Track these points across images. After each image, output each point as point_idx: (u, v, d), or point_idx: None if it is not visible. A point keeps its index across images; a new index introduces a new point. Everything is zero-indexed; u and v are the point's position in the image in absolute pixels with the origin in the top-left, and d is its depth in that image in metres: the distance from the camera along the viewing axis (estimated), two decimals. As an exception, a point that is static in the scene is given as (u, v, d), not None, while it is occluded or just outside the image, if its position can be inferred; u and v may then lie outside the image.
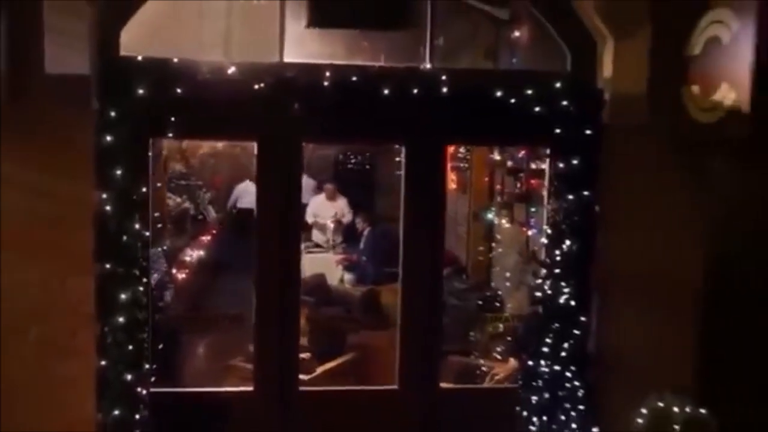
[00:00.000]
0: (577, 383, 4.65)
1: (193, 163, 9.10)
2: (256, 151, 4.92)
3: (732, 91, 3.94)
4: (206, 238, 8.89)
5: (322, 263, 8.54)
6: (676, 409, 4.18)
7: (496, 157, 7.63)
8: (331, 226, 9.17)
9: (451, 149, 8.65)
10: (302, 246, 6.70)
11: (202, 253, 8.10)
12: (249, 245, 8.35)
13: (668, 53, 4.45)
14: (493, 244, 7.55)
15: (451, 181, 9.31)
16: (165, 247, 7.10)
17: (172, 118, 4.56)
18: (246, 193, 11.46)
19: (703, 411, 4.22)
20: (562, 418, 4.61)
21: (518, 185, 7.24)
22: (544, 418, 4.64)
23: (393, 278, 7.03)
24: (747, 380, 5.15)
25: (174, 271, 7.14)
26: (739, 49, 3.88)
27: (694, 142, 4.47)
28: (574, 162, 4.69)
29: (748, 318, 5.13)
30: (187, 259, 7.77)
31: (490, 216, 7.62)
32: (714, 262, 4.82)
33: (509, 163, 7.41)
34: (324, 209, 9.54)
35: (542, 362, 4.68)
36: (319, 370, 5.70)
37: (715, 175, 4.78)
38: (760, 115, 3.87)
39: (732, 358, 4.99)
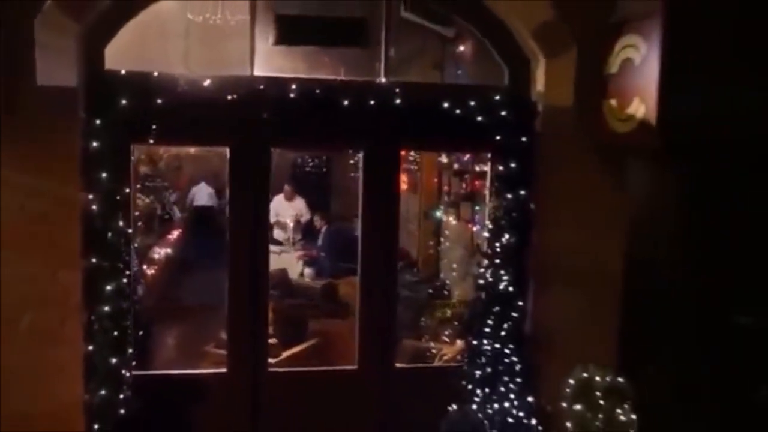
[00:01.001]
0: (515, 359, 4.94)
1: (159, 166, 9.35)
2: (228, 157, 5.10)
3: (642, 104, 4.44)
4: (172, 236, 9.18)
5: (283, 259, 8.88)
6: (598, 379, 4.65)
7: (444, 160, 7.94)
8: (291, 224, 9.51)
9: (403, 153, 9.14)
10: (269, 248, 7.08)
11: (169, 249, 8.40)
12: (207, 240, 8.65)
13: (591, 71, 4.94)
14: (442, 240, 7.91)
15: (403, 182, 9.66)
16: (136, 245, 7.37)
17: (153, 126, 4.76)
18: (201, 193, 11.84)
19: (620, 380, 4.73)
20: (502, 389, 4.91)
21: (464, 186, 7.56)
22: (487, 390, 4.93)
23: (348, 272, 7.38)
24: (658, 354, 5.73)
25: (144, 266, 7.41)
26: (647, 69, 4.38)
27: (613, 148, 4.98)
28: (512, 165, 5.00)
29: (659, 301, 5.70)
30: (156, 256, 8.05)
31: (438, 214, 7.95)
32: (632, 252, 5.37)
33: (455, 166, 7.73)
34: (283, 209, 9.84)
35: (485, 341, 4.97)
36: (285, 354, 5.98)
37: (632, 177, 5.35)
38: (665, 125, 4.41)
39: (646, 335, 5.55)
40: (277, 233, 9.56)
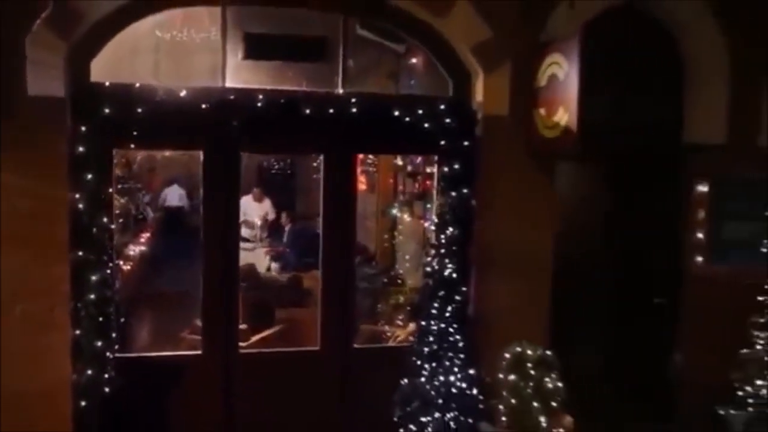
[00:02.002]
0: (458, 337, 5.32)
1: (133, 168, 9.58)
2: (201, 160, 5.46)
3: (566, 114, 4.91)
4: (146, 234, 9.45)
5: (251, 255, 9.20)
6: (529, 352, 5.07)
7: (399, 162, 8.33)
8: (259, 223, 9.85)
9: (360, 156, 9.52)
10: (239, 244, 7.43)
11: (143, 247, 8.68)
12: (178, 238, 8.93)
13: (523, 84, 5.42)
14: (396, 235, 8.31)
15: (361, 183, 10.06)
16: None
17: (134, 133, 5.08)
18: (172, 194, 12.11)
19: (549, 353, 5.18)
20: (447, 364, 5.27)
21: (416, 186, 7.96)
22: (434, 365, 5.29)
23: (311, 266, 7.74)
24: (585, 331, 6.25)
25: (120, 262, 7.67)
26: (569, 83, 4.85)
27: (542, 151, 5.48)
28: (456, 167, 5.42)
29: (585, 285, 6.22)
30: (131, 252, 8.32)
31: (394, 212, 8.30)
32: (559, 243, 5.86)
33: (409, 168, 8.11)
34: (252, 209, 10.17)
35: (432, 322, 5.35)
36: (254, 338, 6.34)
37: (560, 177, 5.85)
38: (584, 132, 4.90)
39: (573, 315, 6.06)
40: (246, 231, 9.88)
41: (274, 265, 9.23)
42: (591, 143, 5.20)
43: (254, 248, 9.57)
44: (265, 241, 9.93)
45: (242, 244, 9.49)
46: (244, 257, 8.84)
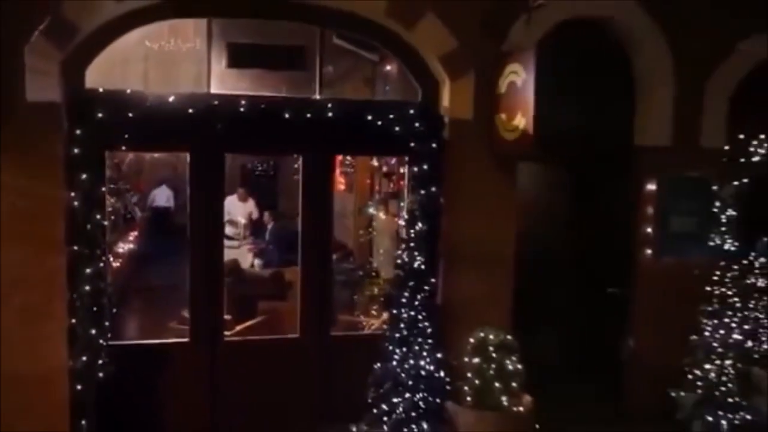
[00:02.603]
0: (427, 324, 5.57)
1: (123, 170, 9.82)
2: (188, 161, 5.76)
3: (523, 118, 5.26)
4: (134, 233, 9.69)
5: (235, 252, 9.47)
6: (492, 337, 5.42)
7: (375, 163, 8.61)
8: (243, 221, 10.12)
9: (340, 158, 9.79)
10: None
11: (133, 244, 8.94)
12: (165, 236, 9.18)
13: (486, 91, 5.75)
14: (371, 231, 8.60)
15: (341, 183, 10.38)
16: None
17: (125, 135, 5.33)
18: (160, 195, 12.36)
19: (509, 337, 5.51)
20: (416, 348, 5.51)
21: (391, 185, 8.24)
22: (404, 349, 5.53)
23: (292, 262, 8.01)
24: (541, 318, 6.61)
25: (112, 259, 7.92)
26: (526, 90, 5.20)
27: (504, 153, 5.81)
28: (425, 167, 5.73)
29: (544, 277, 6.59)
30: (120, 250, 8.56)
31: (370, 210, 8.58)
32: (520, 237, 6.22)
33: (384, 168, 8.39)
34: (236, 208, 10.45)
35: (402, 310, 5.59)
36: (238, 327, 6.59)
37: (521, 176, 6.21)
38: (539, 135, 5.25)
39: (533, 304, 6.42)
40: (230, 229, 10.14)
41: (257, 262, 9.51)
42: (546, 145, 5.60)
43: (239, 246, 9.84)
44: (249, 238, 10.20)
45: (227, 242, 9.78)
46: (229, 254, 9.17)
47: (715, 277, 6.33)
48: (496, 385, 5.33)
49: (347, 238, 9.29)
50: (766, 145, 6.26)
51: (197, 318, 5.84)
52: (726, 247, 6.39)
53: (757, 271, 6.50)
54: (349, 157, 9.47)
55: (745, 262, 6.44)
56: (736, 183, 6.35)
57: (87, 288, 5.30)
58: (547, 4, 5.27)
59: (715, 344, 6.28)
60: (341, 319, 6.88)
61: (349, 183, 9.80)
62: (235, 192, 10.43)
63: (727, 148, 6.33)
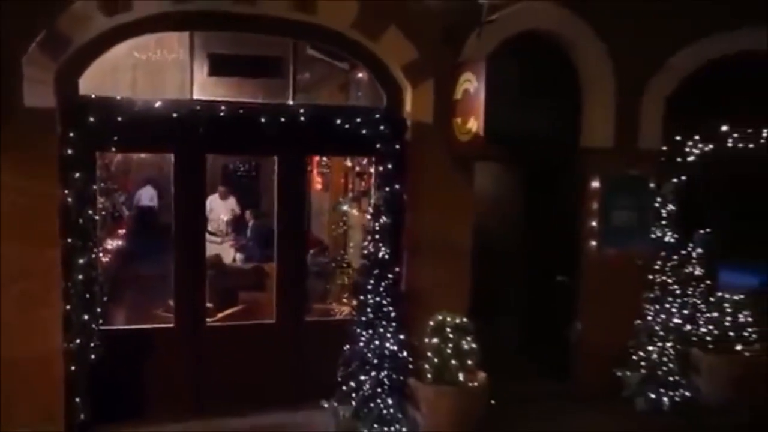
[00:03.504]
0: (391, 308, 6.00)
1: (111, 170, 10.16)
2: (173, 161, 6.17)
3: (475, 122, 5.71)
4: (122, 230, 10.05)
5: (219, 248, 9.88)
6: (449, 320, 5.90)
7: (348, 163, 8.97)
8: (224, 218, 10.52)
9: (317, 159, 10.22)
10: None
11: (121, 240, 9.31)
12: (150, 233, 9.54)
13: (444, 97, 6.18)
14: (342, 226, 8.96)
15: (318, 183, 10.82)
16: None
17: (114, 138, 5.71)
18: (145, 194, 12.73)
19: (465, 320, 5.98)
20: (381, 331, 5.94)
21: (362, 184, 8.58)
22: (370, 332, 5.95)
23: (271, 257, 8.32)
24: (497, 303, 7.09)
25: (101, 254, 8.29)
26: (478, 97, 5.65)
27: (460, 154, 6.25)
28: (389, 166, 6.14)
29: (498, 266, 7.07)
30: (110, 246, 8.92)
31: (344, 207, 8.94)
32: (478, 230, 6.71)
33: (357, 168, 8.76)
34: (218, 206, 10.85)
35: (369, 296, 6.02)
36: (220, 315, 7.02)
37: (477, 174, 6.68)
38: (488, 137, 5.73)
39: (488, 291, 6.90)
40: (213, 226, 10.53)
41: (239, 256, 9.91)
42: (501, 147, 6.12)
43: (222, 242, 10.24)
44: (231, 235, 10.60)
45: (210, 238, 10.26)
46: (213, 249, 9.57)
47: (657, 267, 6.92)
48: (453, 363, 5.82)
49: (323, 234, 9.71)
50: (700, 146, 6.88)
51: (181, 306, 6.26)
52: (666, 239, 6.95)
53: (694, 261, 7.09)
54: (325, 159, 9.89)
55: (683, 252, 7.03)
56: (674, 181, 6.93)
57: (80, 277, 5.69)
58: (496, 21, 5.75)
59: (657, 327, 6.86)
60: (316, 308, 7.31)
61: (325, 182, 10.22)
62: (217, 191, 10.85)
63: (664, 149, 6.90)
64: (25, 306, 5.50)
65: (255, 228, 10.22)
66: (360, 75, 6.79)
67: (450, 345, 5.81)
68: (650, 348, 6.76)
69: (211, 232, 10.52)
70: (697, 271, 6.96)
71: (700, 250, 6.92)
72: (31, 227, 5.50)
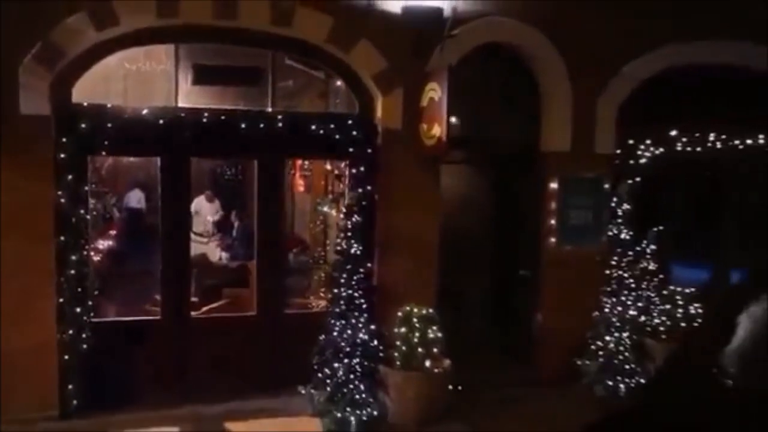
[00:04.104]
0: (363, 301, 6.39)
1: (102, 173, 10.52)
2: (159, 164, 6.54)
3: (439, 128, 6.10)
4: (113, 231, 10.42)
5: (205, 247, 10.24)
6: (416, 311, 6.29)
7: (328, 167, 9.39)
8: (210, 219, 10.89)
9: (299, 163, 10.58)
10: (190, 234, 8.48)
11: (111, 240, 9.67)
12: (138, 234, 9.89)
13: (412, 104, 6.58)
14: (319, 224, 9.31)
15: (300, 185, 11.22)
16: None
17: (105, 142, 6.10)
18: (133, 197, 13.08)
19: (432, 311, 6.36)
20: (353, 321, 6.31)
21: (341, 185, 8.93)
22: (343, 322, 6.32)
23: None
24: (462, 296, 7.49)
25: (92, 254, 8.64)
26: (441, 104, 6.04)
27: (426, 157, 6.63)
28: (362, 169, 6.55)
29: (464, 261, 7.46)
30: (101, 246, 9.28)
31: (324, 207, 9.24)
32: (445, 228, 7.10)
33: (336, 171, 9.19)
34: (204, 208, 11.22)
35: (342, 290, 6.40)
36: (204, 308, 7.36)
37: (446, 177, 7.09)
38: (454, 141, 6.12)
39: (454, 284, 7.28)
40: (199, 227, 10.90)
41: (225, 255, 10.28)
42: (467, 150, 6.52)
43: (208, 242, 10.61)
44: (217, 235, 10.98)
45: (198, 238, 10.65)
46: (200, 249, 9.96)
47: (613, 262, 7.32)
48: (420, 350, 6.22)
49: (306, 233, 10.08)
50: (651, 149, 7.32)
51: (167, 300, 6.63)
52: (622, 236, 7.36)
53: (648, 257, 7.48)
54: (306, 162, 10.28)
55: (638, 249, 7.44)
56: (629, 182, 7.36)
57: (72, 272, 6.06)
58: (459, 34, 6.18)
59: (613, 319, 7.21)
60: (295, 302, 7.67)
61: (307, 185, 10.61)
62: (203, 193, 11.22)
63: (618, 152, 7.33)
64: (21, 300, 5.84)
65: (240, 228, 10.59)
66: (335, 83, 7.17)
67: (417, 334, 6.21)
68: (608, 338, 7.13)
69: (198, 232, 10.92)
70: (651, 267, 7.34)
71: (653, 247, 7.32)
72: (28, 225, 5.85)
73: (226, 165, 13.06)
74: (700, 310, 7.31)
